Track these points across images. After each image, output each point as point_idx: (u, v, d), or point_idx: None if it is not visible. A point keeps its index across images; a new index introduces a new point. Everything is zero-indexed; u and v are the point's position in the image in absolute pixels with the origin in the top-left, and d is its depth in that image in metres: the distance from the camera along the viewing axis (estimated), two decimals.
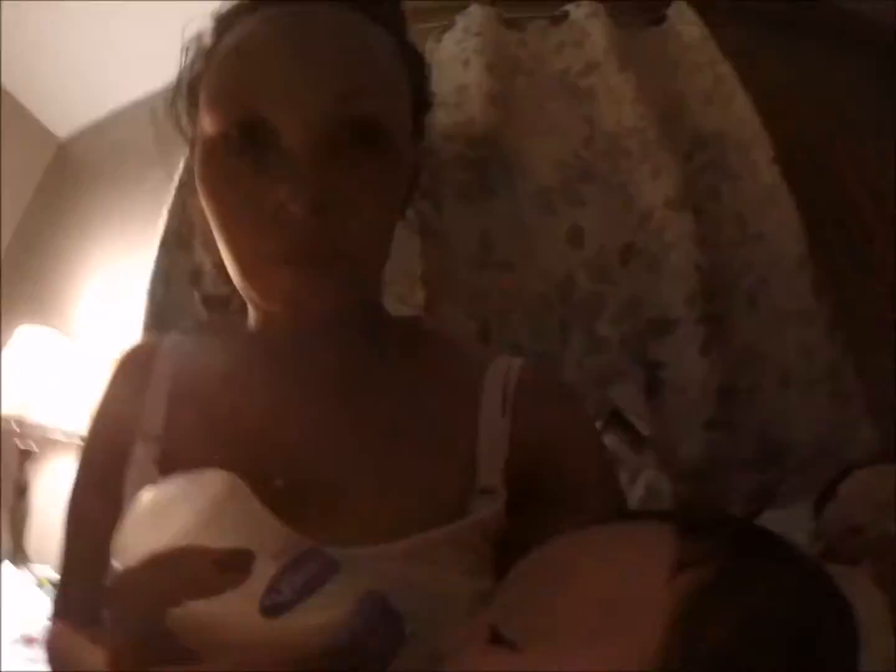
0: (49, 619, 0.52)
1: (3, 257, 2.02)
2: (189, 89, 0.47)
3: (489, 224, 0.94)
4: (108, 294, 1.63)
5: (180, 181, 1.10)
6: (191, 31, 0.52)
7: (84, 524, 0.48)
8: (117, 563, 0.28)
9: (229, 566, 0.23)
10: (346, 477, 0.39)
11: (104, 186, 1.89)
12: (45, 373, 1.32)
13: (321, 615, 0.24)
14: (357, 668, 0.23)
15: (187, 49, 0.49)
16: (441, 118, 0.96)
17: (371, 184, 0.40)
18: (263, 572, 0.24)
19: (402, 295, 0.86)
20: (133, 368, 0.51)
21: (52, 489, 1.40)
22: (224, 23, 0.44)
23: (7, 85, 1.97)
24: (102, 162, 1.97)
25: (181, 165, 1.11)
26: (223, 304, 0.64)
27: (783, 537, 0.29)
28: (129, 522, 0.28)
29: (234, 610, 0.23)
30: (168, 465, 0.41)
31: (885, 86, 1.29)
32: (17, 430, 1.32)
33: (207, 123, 0.40)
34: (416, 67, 0.48)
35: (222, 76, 0.40)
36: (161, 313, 0.97)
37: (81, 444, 1.27)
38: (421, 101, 0.49)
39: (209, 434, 0.41)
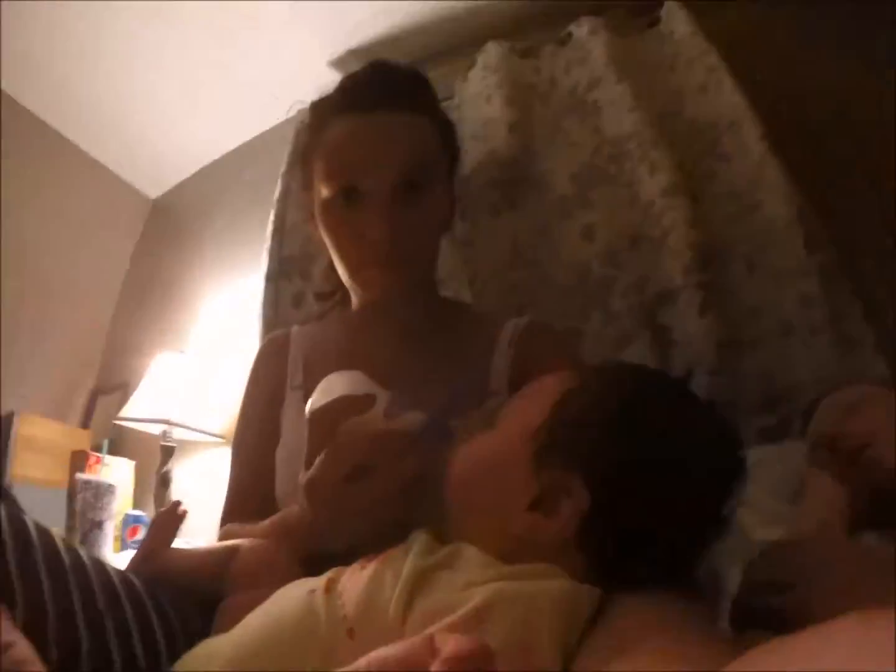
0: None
1: (117, 304, 2.35)
2: (302, 162, 0.76)
3: (517, 232, 1.16)
4: (220, 319, 1.93)
5: (274, 227, 1.37)
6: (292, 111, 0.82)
7: (250, 451, 0.75)
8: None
9: (365, 401, 0.48)
10: (419, 390, 0.58)
11: (200, 234, 2.19)
12: (179, 388, 1.63)
13: (415, 417, 0.49)
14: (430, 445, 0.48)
15: (297, 133, 0.81)
16: (472, 150, 1.18)
17: (422, 219, 0.69)
18: (381, 402, 0.50)
19: (455, 291, 1.10)
20: (275, 346, 0.80)
21: (189, 480, 1.73)
22: (321, 119, 0.72)
23: (97, 155, 2.29)
24: (194, 214, 2.28)
25: (272, 216, 1.39)
26: (330, 296, 0.91)
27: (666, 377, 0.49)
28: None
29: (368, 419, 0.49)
30: None
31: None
32: (161, 434, 1.64)
33: (323, 190, 0.69)
34: (448, 133, 0.76)
35: (330, 160, 0.69)
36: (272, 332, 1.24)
37: (212, 437, 1.57)
38: (453, 153, 0.78)
39: None
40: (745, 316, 1.06)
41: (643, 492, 0.40)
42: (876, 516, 0.62)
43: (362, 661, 0.20)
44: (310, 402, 0.53)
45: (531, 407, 0.46)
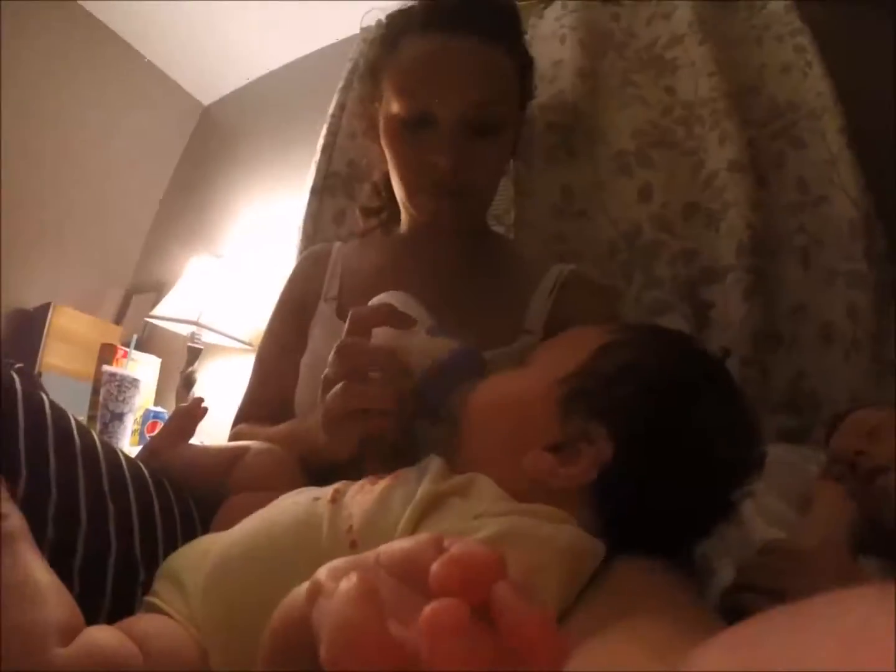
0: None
1: (159, 206, 2.38)
2: (370, 74, 0.72)
3: (570, 180, 1.12)
4: (258, 229, 1.94)
5: (325, 142, 1.35)
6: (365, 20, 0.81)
7: (274, 357, 0.76)
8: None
9: (407, 319, 0.49)
10: (455, 318, 0.58)
11: (246, 144, 2.20)
12: (212, 292, 1.66)
13: (446, 341, 0.50)
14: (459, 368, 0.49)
15: (367, 41, 0.76)
16: (538, 90, 1.13)
17: (488, 155, 0.67)
18: (424, 324, 0.51)
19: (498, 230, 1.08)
20: (315, 258, 0.80)
21: (212, 383, 1.78)
22: (397, 31, 0.68)
23: (153, 58, 2.30)
24: (243, 123, 2.28)
25: (324, 130, 1.37)
26: (376, 212, 0.88)
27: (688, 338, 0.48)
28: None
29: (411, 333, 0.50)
30: (343, 314, 0.67)
31: None
32: (189, 335, 1.68)
33: (394, 106, 0.66)
34: (526, 70, 0.73)
35: (406, 78, 0.66)
36: (311, 246, 1.24)
37: (240, 344, 1.60)
38: (527, 92, 0.75)
39: (370, 295, 0.57)
40: (789, 312, 1.03)
41: (664, 457, 0.39)
42: (877, 543, 0.61)
43: (371, 553, 0.20)
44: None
45: (567, 352, 0.45)
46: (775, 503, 0.72)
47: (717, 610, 0.50)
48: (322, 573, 0.20)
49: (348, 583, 0.17)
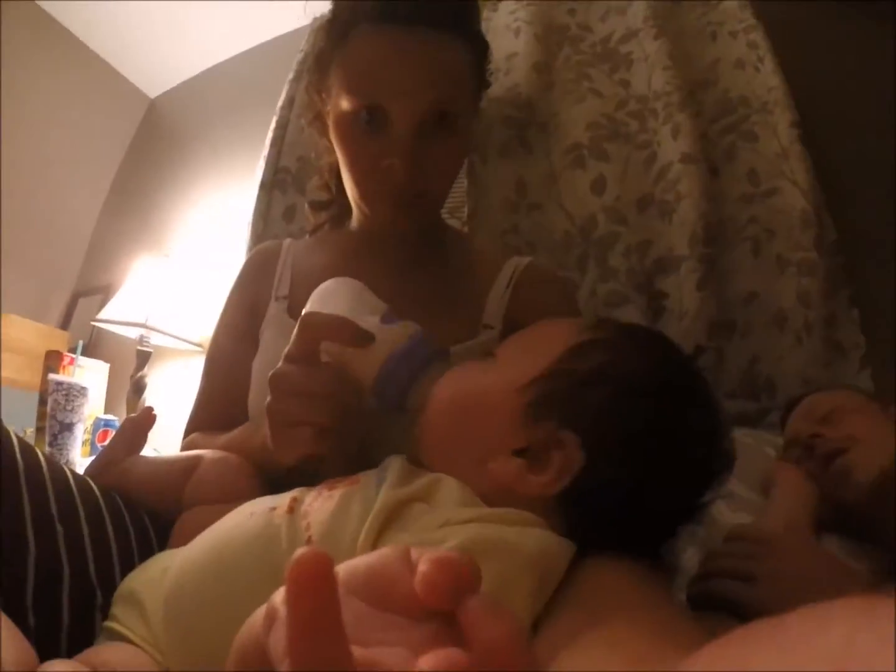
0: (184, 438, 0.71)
1: (104, 204, 2.29)
2: (317, 64, 0.67)
3: (524, 174, 1.11)
4: (207, 227, 1.88)
5: (274, 136, 1.31)
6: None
7: (224, 359, 0.72)
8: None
9: (362, 334, 0.45)
10: (413, 316, 0.57)
11: (193, 138, 2.13)
12: (160, 293, 1.59)
13: (402, 327, 0.48)
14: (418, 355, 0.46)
15: (316, 31, 0.72)
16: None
17: (445, 153, 0.63)
18: (376, 309, 0.49)
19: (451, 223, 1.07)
20: (264, 256, 0.76)
21: (163, 387, 1.72)
22: (348, 21, 0.62)
23: (99, 50, 2.20)
24: (191, 117, 2.20)
25: (273, 124, 1.33)
26: (325, 206, 0.84)
27: (663, 339, 0.45)
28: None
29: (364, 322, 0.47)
30: (294, 313, 0.64)
31: None
32: (138, 338, 1.61)
33: (343, 102, 0.61)
34: (483, 62, 0.68)
35: (357, 74, 0.60)
36: (261, 243, 1.21)
37: (190, 345, 1.54)
38: (483, 82, 0.70)
39: None
40: (742, 299, 1.05)
41: (638, 464, 0.38)
42: (837, 522, 0.63)
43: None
44: (307, 306, 0.51)
45: (536, 350, 0.43)
46: (739, 488, 0.74)
47: (687, 598, 0.51)
48: (278, 597, 0.18)
49: None
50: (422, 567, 0.16)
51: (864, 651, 0.11)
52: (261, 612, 0.19)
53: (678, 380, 0.41)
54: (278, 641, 0.16)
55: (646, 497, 0.38)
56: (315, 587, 0.15)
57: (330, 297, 0.52)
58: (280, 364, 0.46)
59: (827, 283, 1.00)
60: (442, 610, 0.16)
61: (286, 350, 0.46)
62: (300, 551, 0.15)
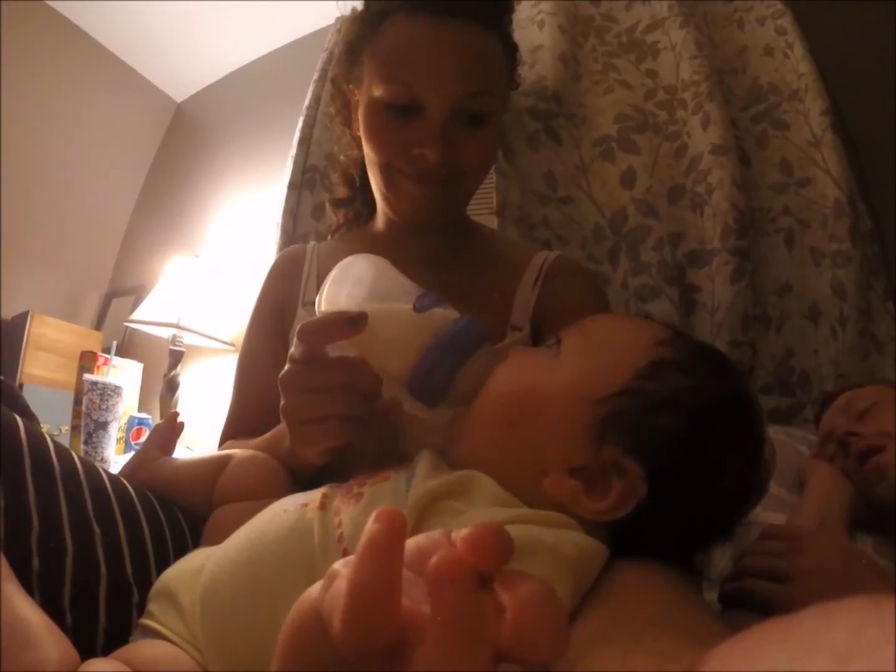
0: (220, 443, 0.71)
1: (135, 207, 2.34)
2: (349, 54, 0.67)
3: (554, 166, 1.10)
4: (236, 226, 1.90)
5: (301, 136, 1.33)
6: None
7: (255, 366, 0.72)
8: None
9: (356, 317, 0.42)
10: None
11: (221, 140, 2.16)
12: (191, 293, 1.62)
13: (448, 312, 0.45)
14: (462, 343, 0.43)
15: (346, 22, 0.71)
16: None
17: (478, 147, 0.63)
18: (409, 295, 0.45)
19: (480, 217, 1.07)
20: (290, 261, 0.76)
21: (196, 385, 1.75)
22: (382, 11, 0.63)
23: (126, 58, 2.25)
24: (217, 119, 2.24)
25: (300, 123, 1.34)
26: (345, 203, 0.84)
27: (731, 362, 0.42)
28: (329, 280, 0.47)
29: (395, 310, 0.44)
30: None
31: None
32: (170, 338, 1.64)
33: (376, 89, 0.61)
34: (513, 58, 0.69)
35: (391, 61, 0.61)
36: (291, 242, 1.22)
37: (221, 344, 1.56)
38: (512, 83, 0.71)
39: None
40: (776, 292, 1.03)
41: (696, 498, 0.37)
42: (872, 521, 0.63)
43: None
44: (322, 289, 0.47)
45: (609, 356, 0.40)
46: (772, 486, 0.72)
47: (719, 597, 0.50)
48: (339, 564, 0.20)
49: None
50: (464, 531, 0.17)
51: (871, 645, 0.11)
52: (315, 587, 0.20)
53: (745, 413, 0.40)
54: (335, 597, 0.17)
55: (689, 517, 0.37)
56: (390, 543, 0.16)
57: (350, 278, 0.47)
58: (286, 367, 0.45)
59: (862, 275, 0.97)
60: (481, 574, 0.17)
61: (289, 353, 0.45)
62: (379, 511, 0.17)
